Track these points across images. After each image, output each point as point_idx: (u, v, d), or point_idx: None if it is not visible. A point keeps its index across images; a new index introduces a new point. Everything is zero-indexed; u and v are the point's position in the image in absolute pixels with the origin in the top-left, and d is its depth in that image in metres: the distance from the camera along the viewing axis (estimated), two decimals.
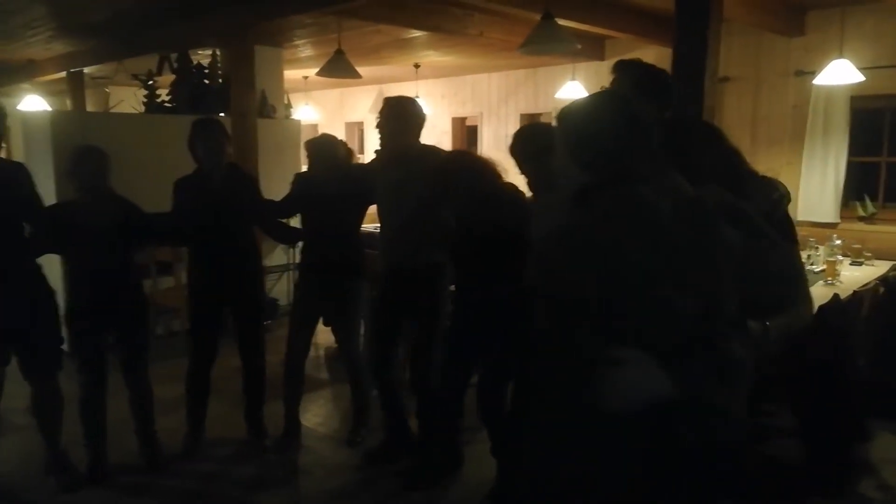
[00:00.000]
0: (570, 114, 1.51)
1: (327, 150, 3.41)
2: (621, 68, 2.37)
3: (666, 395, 1.31)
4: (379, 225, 3.37)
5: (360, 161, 4.46)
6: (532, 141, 2.73)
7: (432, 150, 3.18)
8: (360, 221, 3.53)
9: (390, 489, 3.18)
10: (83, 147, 3.12)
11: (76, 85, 7.62)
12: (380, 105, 3.26)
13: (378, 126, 3.20)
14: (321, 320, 3.62)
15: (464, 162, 2.94)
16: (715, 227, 1.41)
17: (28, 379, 3.10)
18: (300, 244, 3.87)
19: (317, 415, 4.07)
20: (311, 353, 4.17)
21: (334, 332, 3.66)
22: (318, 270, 3.46)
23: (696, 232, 1.38)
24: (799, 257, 1.75)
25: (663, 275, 1.33)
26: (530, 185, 2.80)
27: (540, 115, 7.79)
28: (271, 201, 3.56)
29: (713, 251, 1.38)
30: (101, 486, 3.20)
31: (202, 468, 3.41)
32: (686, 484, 1.41)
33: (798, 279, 1.61)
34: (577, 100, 1.56)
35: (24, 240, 3.02)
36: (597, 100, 1.54)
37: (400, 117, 3.15)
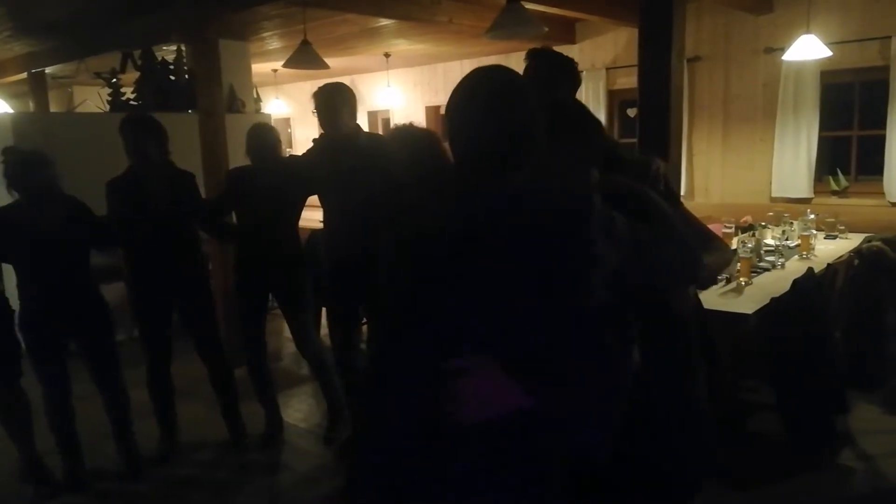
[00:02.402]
0: (452, 93, 1.32)
1: (265, 140, 3.35)
2: (536, 55, 2.36)
3: (515, 407, 1.19)
4: (323, 216, 3.31)
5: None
6: None
7: (379, 137, 3.14)
8: (298, 213, 3.49)
9: None
10: (25, 152, 3.03)
11: (38, 85, 7.44)
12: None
13: (318, 114, 3.13)
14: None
15: (405, 134, 2.87)
16: (589, 214, 1.23)
17: None
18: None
19: (298, 410, 4.04)
20: (291, 348, 4.13)
21: (288, 324, 3.63)
22: (257, 264, 3.42)
23: (565, 220, 1.22)
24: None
25: (516, 271, 1.19)
26: None
27: None
28: (207, 199, 3.50)
29: (585, 241, 1.22)
30: (78, 492, 3.15)
31: (181, 472, 3.38)
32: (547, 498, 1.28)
33: (684, 269, 1.43)
34: (464, 77, 1.34)
35: None
36: (473, 77, 1.32)
37: (340, 104, 3.09)
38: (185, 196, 3.34)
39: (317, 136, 3.28)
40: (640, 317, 1.39)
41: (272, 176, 3.29)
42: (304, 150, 3.39)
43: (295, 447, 3.58)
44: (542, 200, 1.23)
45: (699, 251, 1.41)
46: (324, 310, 4.01)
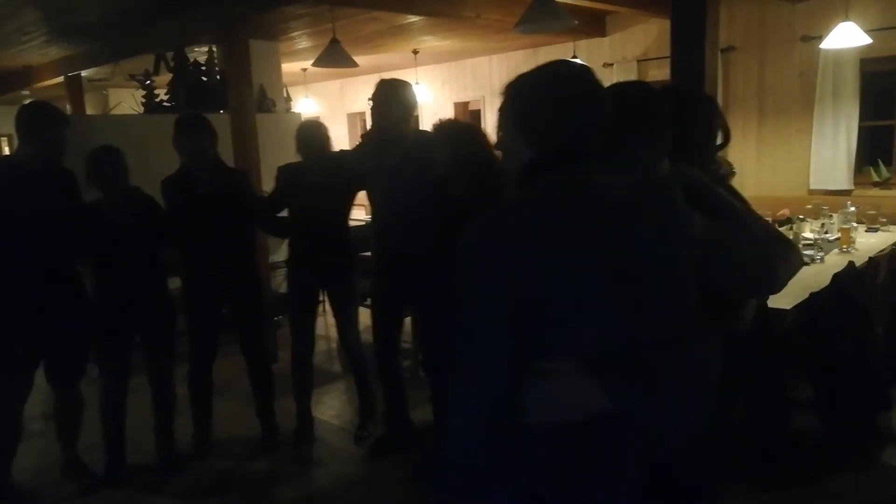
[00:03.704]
0: (518, 83, 1.31)
1: (314, 137, 3.36)
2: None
3: (599, 409, 1.16)
4: (372, 213, 3.31)
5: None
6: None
7: (428, 135, 3.12)
8: (349, 210, 3.49)
9: (402, 479, 3.16)
10: (99, 147, 3.08)
11: (75, 89, 7.59)
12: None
13: (372, 109, 3.13)
14: (331, 313, 3.59)
15: (450, 128, 2.86)
16: (678, 214, 1.23)
17: (52, 385, 3.12)
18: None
19: (331, 407, 4.06)
20: (324, 346, 4.16)
21: (336, 322, 3.64)
22: (309, 261, 3.43)
23: (652, 219, 1.21)
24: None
25: (606, 269, 1.16)
26: None
27: None
28: (262, 196, 3.52)
29: (674, 242, 1.20)
30: (118, 486, 3.21)
31: (217, 465, 3.42)
32: (634, 497, 1.26)
33: (762, 277, 1.39)
34: (527, 71, 1.33)
35: (60, 244, 2.97)
36: (549, 65, 1.31)
37: (395, 100, 3.08)
38: (239, 193, 3.37)
39: (361, 134, 3.28)
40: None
41: (323, 172, 3.30)
42: (354, 146, 3.39)
43: (327, 444, 3.60)
44: (636, 194, 1.21)
45: (776, 259, 1.34)
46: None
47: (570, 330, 1.16)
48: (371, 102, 3.11)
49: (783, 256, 1.43)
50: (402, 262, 3.12)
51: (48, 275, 2.94)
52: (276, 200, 3.52)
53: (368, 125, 10.18)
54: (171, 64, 5.87)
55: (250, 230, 3.54)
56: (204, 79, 5.89)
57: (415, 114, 3.18)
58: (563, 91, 1.25)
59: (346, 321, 3.55)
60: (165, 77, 5.95)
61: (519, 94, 1.29)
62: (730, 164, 1.90)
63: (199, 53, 6.14)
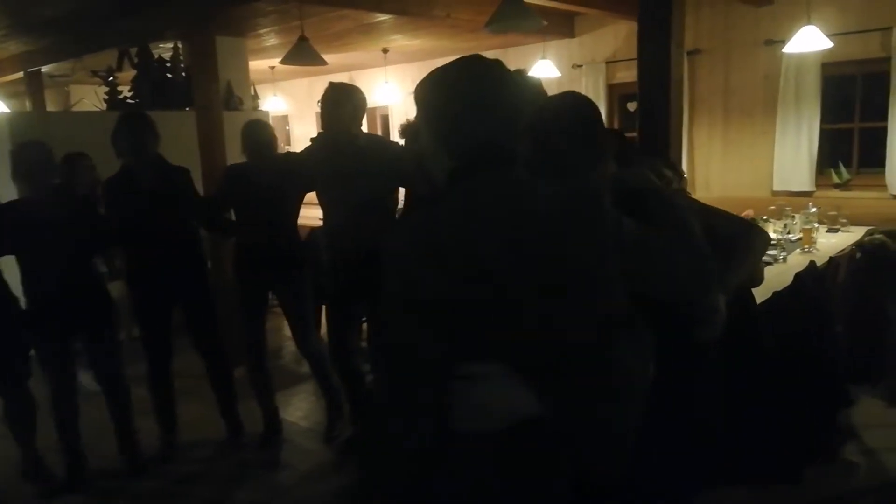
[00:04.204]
0: (426, 87, 1.25)
1: (260, 137, 3.32)
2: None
3: (529, 414, 1.15)
4: (323, 214, 3.29)
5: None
6: None
7: (378, 138, 3.12)
8: (296, 211, 3.46)
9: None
10: (25, 142, 3.02)
11: (35, 85, 7.40)
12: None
13: (321, 112, 3.10)
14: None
15: (413, 128, 2.88)
16: (601, 219, 1.20)
17: None
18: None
19: (299, 409, 4.02)
20: (292, 346, 4.11)
21: (288, 323, 3.60)
22: (254, 263, 3.40)
23: (575, 223, 1.19)
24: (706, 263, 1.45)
25: (528, 274, 1.14)
26: None
27: None
28: (205, 197, 3.47)
29: (596, 246, 1.18)
30: (80, 491, 3.14)
31: (182, 469, 3.37)
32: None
33: (692, 284, 1.35)
34: (434, 69, 1.27)
35: None
36: (459, 66, 1.25)
37: (343, 103, 3.06)
38: (181, 192, 3.31)
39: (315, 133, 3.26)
40: (655, 332, 1.32)
41: (269, 173, 3.27)
42: (302, 148, 3.37)
43: (295, 445, 3.56)
44: (560, 200, 1.19)
45: (713, 262, 1.32)
46: (323, 308, 3.99)
47: (493, 334, 1.15)
48: (320, 105, 3.09)
49: (747, 237, 1.48)
50: (353, 263, 3.11)
51: None
52: (221, 200, 3.48)
53: None
54: (135, 60, 5.77)
55: (195, 228, 3.48)
56: (169, 75, 5.79)
57: (363, 116, 3.16)
58: (474, 94, 1.19)
59: (298, 323, 3.52)
60: (129, 73, 5.84)
61: (429, 101, 1.24)
62: (675, 171, 1.90)
63: (164, 50, 6.03)
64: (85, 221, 3.08)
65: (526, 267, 1.14)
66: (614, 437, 1.23)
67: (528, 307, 1.15)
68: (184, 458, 3.46)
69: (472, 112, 1.19)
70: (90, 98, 6.70)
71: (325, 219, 3.28)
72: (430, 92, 1.24)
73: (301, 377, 4.49)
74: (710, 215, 1.73)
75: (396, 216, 3.25)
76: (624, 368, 1.22)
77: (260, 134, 3.32)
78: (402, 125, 2.96)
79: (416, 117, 1.28)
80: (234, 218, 3.58)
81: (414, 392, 1.18)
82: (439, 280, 1.13)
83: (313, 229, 4.43)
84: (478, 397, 1.15)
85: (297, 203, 3.44)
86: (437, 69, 1.26)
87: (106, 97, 5.80)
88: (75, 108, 7.46)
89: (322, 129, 3.15)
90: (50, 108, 7.95)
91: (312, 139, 3.25)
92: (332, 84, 3.12)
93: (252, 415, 3.63)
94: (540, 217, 1.17)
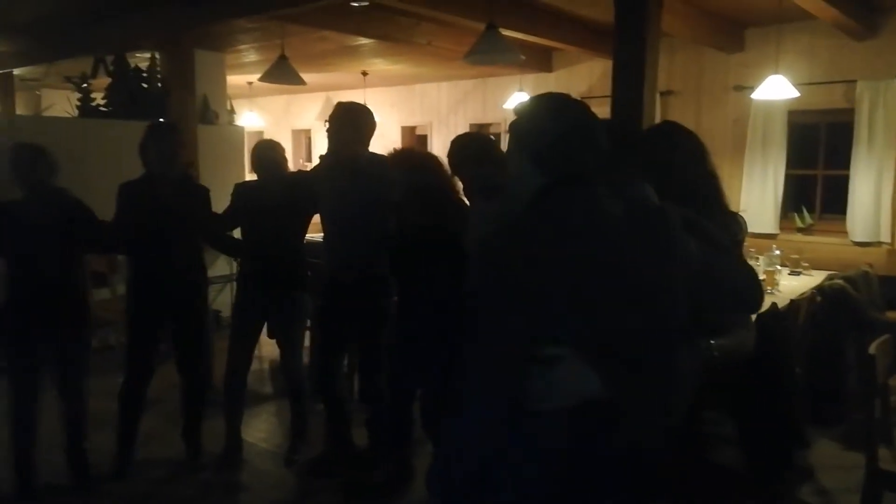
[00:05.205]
0: (527, 112, 1.49)
1: (272, 157, 3.32)
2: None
3: (594, 396, 1.30)
4: (322, 234, 3.29)
5: (303, 168, 4.37)
6: (468, 147, 2.81)
7: (381, 159, 3.12)
8: (304, 231, 3.44)
9: (332, 502, 3.10)
10: (24, 144, 2.96)
11: (5, 87, 7.28)
12: (329, 111, 3.18)
13: (328, 130, 3.12)
14: (265, 332, 3.50)
15: (404, 156, 2.89)
16: (673, 235, 1.38)
17: None
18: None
19: (260, 430, 3.94)
20: (255, 366, 4.04)
21: (278, 344, 3.55)
22: (260, 281, 3.36)
23: (650, 238, 1.36)
24: (758, 281, 1.71)
25: (609, 279, 1.31)
26: (465, 191, 2.83)
27: (489, 124, 7.80)
28: (217, 213, 3.44)
29: (668, 260, 1.36)
30: None
31: (135, 488, 3.25)
32: (606, 488, 1.40)
33: (751, 299, 1.61)
34: (531, 99, 1.51)
35: None
36: (553, 99, 1.50)
37: (352, 124, 3.07)
38: (198, 208, 3.28)
39: (319, 155, 3.27)
40: None
41: (279, 192, 3.25)
42: (312, 167, 3.37)
43: (255, 467, 3.49)
44: (634, 205, 1.40)
45: (757, 284, 1.57)
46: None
47: (567, 324, 1.32)
48: (327, 124, 3.09)
49: (759, 283, 1.66)
50: (347, 286, 3.09)
51: None
52: (230, 218, 3.45)
53: (314, 143, 10.09)
54: (111, 68, 5.70)
55: (200, 246, 3.44)
56: (144, 85, 5.73)
57: (371, 136, 3.15)
58: (572, 121, 1.44)
59: (291, 343, 3.46)
60: (103, 81, 5.76)
61: (529, 130, 1.46)
62: (744, 224, 2.27)
63: (141, 59, 5.98)
64: (77, 225, 3.00)
65: (601, 271, 1.32)
66: (663, 423, 1.43)
67: (602, 306, 1.31)
68: (140, 475, 3.34)
69: (572, 135, 1.42)
70: (62, 103, 6.60)
71: (324, 239, 3.27)
72: (529, 120, 1.47)
73: (263, 398, 4.42)
74: None
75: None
76: (681, 370, 1.39)
77: (272, 153, 3.31)
78: (390, 154, 2.95)
79: (508, 144, 1.49)
80: (242, 234, 3.51)
81: (500, 370, 1.36)
82: (529, 273, 1.32)
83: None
84: (553, 377, 1.31)
85: (306, 222, 3.41)
86: (536, 99, 1.52)
87: (79, 104, 5.72)
88: (46, 114, 7.33)
89: (328, 147, 3.15)
90: (20, 111, 7.80)
91: (321, 157, 3.25)
92: (340, 104, 3.13)
93: (212, 434, 3.55)
94: (617, 229, 1.35)
